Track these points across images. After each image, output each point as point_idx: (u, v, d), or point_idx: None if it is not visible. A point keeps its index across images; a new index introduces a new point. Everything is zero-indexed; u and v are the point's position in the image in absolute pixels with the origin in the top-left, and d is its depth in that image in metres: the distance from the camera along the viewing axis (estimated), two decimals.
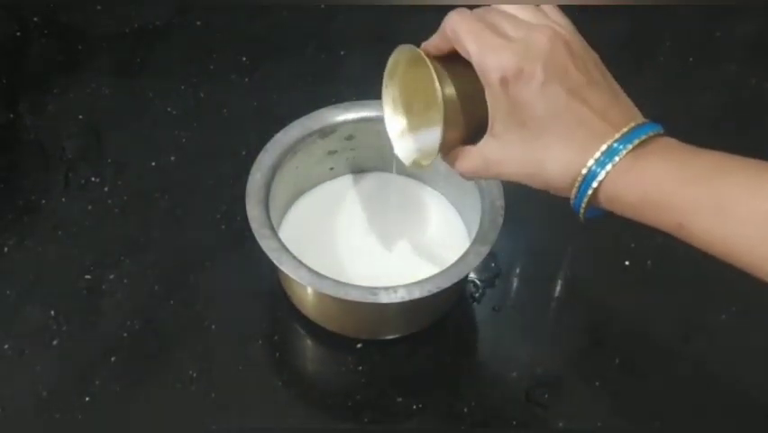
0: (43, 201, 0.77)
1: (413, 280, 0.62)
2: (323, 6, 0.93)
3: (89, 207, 0.76)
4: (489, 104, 0.51)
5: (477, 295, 0.73)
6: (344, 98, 0.71)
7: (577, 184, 0.49)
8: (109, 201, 0.77)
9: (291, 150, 0.69)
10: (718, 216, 0.45)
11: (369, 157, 0.74)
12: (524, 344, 0.71)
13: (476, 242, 0.64)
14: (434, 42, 0.54)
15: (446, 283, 0.62)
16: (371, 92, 0.70)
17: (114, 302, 0.71)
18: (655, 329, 0.71)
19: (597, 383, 0.68)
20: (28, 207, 0.76)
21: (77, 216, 0.76)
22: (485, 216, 0.65)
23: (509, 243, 0.74)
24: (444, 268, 0.63)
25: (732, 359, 0.70)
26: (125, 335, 0.69)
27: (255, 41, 0.90)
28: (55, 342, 0.68)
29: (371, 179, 0.76)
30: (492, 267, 0.74)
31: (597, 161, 0.48)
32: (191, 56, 0.89)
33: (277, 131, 0.69)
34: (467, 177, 0.55)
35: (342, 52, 0.89)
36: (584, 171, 0.48)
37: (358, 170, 0.76)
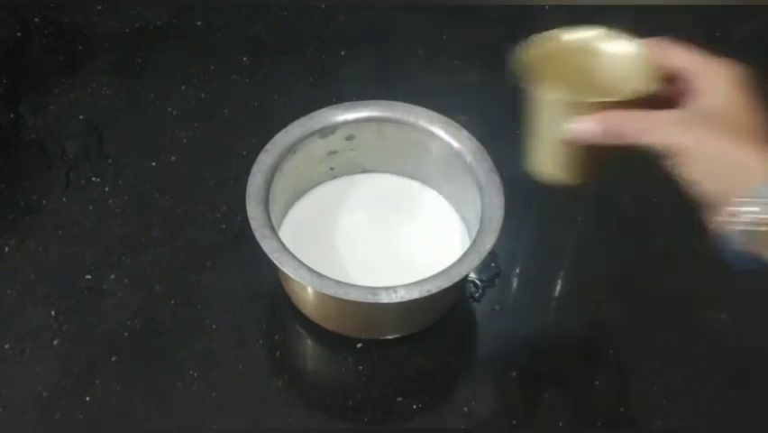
0: (44, 201, 0.77)
1: (413, 281, 0.62)
2: (323, 6, 0.93)
3: (90, 207, 0.76)
4: (711, 90, 0.52)
5: (477, 295, 0.73)
6: (344, 98, 0.71)
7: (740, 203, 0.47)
8: (110, 201, 0.77)
9: (291, 150, 0.69)
10: None
11: (369, 157, 0.74)
12: (524, 343, 0.71)
13: (476, 242, 0.64)
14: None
15: (446, 283, 0.62)
16: (371, 92, 0.70)
17: (115, 302, 0.71)
18: (655, 328, 0.71)
19: (596, 382, 0.68)
20: (29, 207, 0.76)
21: (77, 216, 0.76)
22: (485, 217, 0.65)
23: (509, 243, 0.74)
24: (444, 268, 0.63)
25: (732, 358, 0.70)
26: (125, 334, 0.69)
27: (255, 41, 0.90)
28: (55, 342, 0.69)
29: (371, 180, 0.75)
30: (492, 267, 0.74)
31: None
32: (192, 56, 0.89)
33: (277, 131, 0.69)
34: (605, 137, 0.51)
35: (342, 52, 0.89)
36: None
37: (358, 171, 0.76)
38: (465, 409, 0.66)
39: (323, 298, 0.65)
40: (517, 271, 0.74)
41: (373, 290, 0.62)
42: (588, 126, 0.52)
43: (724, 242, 0.48)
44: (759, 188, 0.46)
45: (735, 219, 0.47)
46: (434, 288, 0.61)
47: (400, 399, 0.67)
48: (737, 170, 0.48)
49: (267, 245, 0.62)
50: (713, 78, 0.52)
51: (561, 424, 0.66)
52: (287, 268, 0.62)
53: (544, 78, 0.53)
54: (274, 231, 0.64)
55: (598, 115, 0.51)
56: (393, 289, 0.61)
